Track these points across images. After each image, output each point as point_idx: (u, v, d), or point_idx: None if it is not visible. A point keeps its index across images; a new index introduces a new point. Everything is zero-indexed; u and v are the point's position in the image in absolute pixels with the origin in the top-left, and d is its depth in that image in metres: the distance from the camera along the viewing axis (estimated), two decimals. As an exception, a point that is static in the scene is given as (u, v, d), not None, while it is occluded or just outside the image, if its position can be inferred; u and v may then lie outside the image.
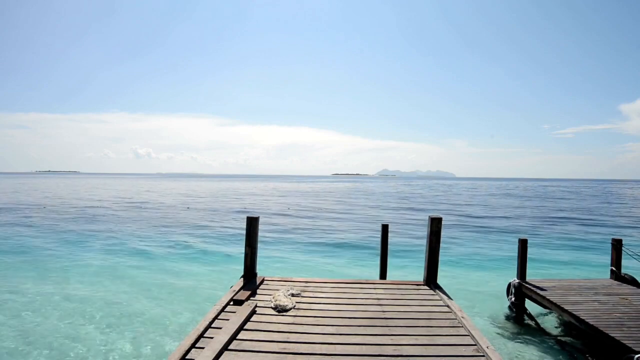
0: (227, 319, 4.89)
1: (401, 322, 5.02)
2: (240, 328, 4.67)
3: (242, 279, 6.57)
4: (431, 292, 6.34)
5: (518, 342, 6.65)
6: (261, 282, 6.61)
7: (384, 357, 4.09)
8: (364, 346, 4.32)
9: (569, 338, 6.79)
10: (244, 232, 6.63)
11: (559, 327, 7.30)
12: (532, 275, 8.11)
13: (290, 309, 5.40)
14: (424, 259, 6.86)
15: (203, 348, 4.10)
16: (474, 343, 4.43)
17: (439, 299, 5.99)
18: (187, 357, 3.96)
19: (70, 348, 6.18)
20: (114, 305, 8.17)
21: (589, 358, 6.04)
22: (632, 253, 8.33)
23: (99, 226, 20.17)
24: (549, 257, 13.87)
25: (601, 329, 5.52)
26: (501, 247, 15.66)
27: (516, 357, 6.13)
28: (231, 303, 5.56)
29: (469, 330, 4.72)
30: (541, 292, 7.16)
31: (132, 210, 28.40)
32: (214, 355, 3.88)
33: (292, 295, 5.95)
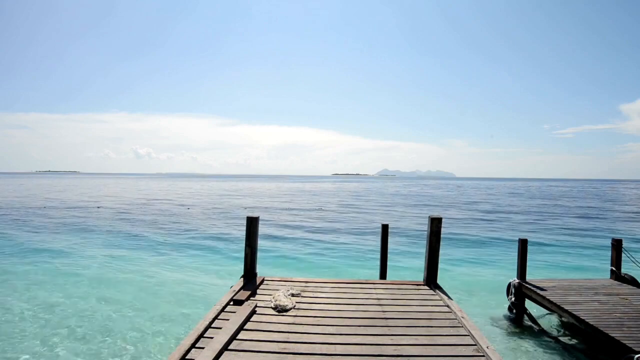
0: (227, 319, 4.89)
1: (401, 322, 5.02)
2: (240, 328, 4.67)
3: (242, 279, 6.57)
4: (431, 292, 6.34)
5: (518, 342, 6.65)
6: (261, 282, 6.61)
7: (384, 357, 4.09)
8: (364, 346, 4.32)
9: (569, 338, 6.79)
10: (244, 232, 6.64)
11: (559, 327, 7.30)
12: (532, 275, 8.10)
13: (290, 309, 5.40)
14: (424, 259, 6.86)
15: (203, 348, 4.11)
16: (474, 343, 4.43)
17: (439, 299, 5.99)
18: (187, 357, 3.96)
19: (70, 348, 6.19)
20: (113, 305, 8.17)
21: (589, 358, 6.04)
22: (632, 258, 8.32)
23: (100, 226, 20.18)
24: (549, 257, 13.87)
25: (601, 329, 5.52)
26: (501, 247, 15.66)
27: (516, 357, 6.13)
28: (231, 303, 5.56)
29: (469, 330, 4.72)
30: (541, 292, 7.16)
31: (133, 211, 28.40)
32: (214, 355, 3.88)
33: (292, 295, 5.95)
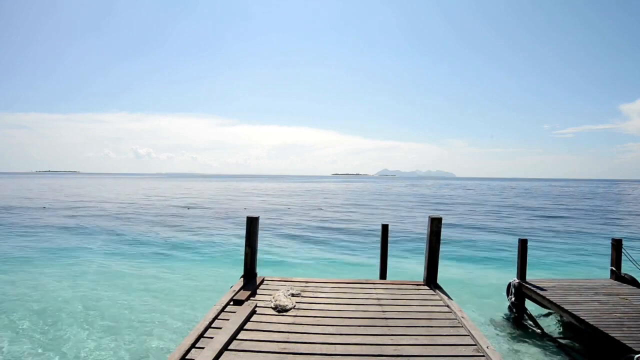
0: (227, 319, 4.90)
1: (401, 322, 5.03)
2: (240, 328, 4.67)
3: (242, 279, 6.58)
4: (431, 292, 6.34)
5: (518, 342, 6.65)
6: (261, 282, 6.62)
7: (384, 357, 4.10)
8: (364, 346, 4.32)
9: (569, 338, 6.79)
10: (244, 232, 6.64)
11: (559, 327, 7.30)
12: (532, 275, 8.10)
13: (290, 309, 5.40)
14: (424, 259, 6.86)
15: (203, 348, 4.11)
16: (474, 343, 4.43)
17: (439, 299, 5.99)
18: (187, 357, 3.96)
19: (71, 348, 6.19)
20: (114, 305, 8.17)
21: (589, 358, 6.04)
22: (632, 259, 8.32)
23: (99, 226, 20.18)
24: (549, 257, 13.87)
25: (601, 329, 5.52)
26: (501, 247, 15.65)
27: (516, 357, 6.13)
28: (231, 303, 5.56)
29: (469, 330, 4.73)
30: (541, 292, 7.16)
31: (133, 211, 28.41)
32: (214, 355, 3.89)
33: (292, 295, 5.95)
